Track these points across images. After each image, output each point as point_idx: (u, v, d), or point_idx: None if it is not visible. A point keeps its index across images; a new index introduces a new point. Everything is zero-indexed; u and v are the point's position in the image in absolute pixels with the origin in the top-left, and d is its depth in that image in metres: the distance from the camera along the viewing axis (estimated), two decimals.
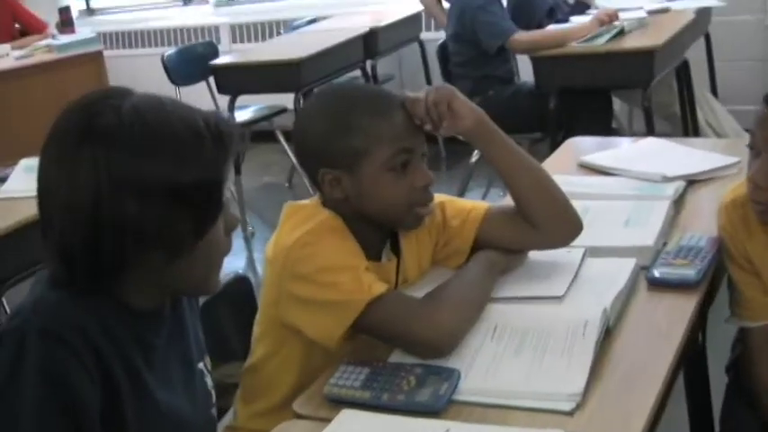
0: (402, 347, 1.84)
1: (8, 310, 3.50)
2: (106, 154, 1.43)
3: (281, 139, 6.55)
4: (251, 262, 5.44)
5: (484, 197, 5.39)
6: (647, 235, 2.24)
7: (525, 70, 5.33)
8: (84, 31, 7.96)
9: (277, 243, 1.93)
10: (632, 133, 5.69)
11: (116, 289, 1.52)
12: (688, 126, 5.64)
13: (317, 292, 1.85)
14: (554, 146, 4.52)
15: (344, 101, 1.99)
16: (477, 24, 5.15)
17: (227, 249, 1.61)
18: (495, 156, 2.06)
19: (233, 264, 5.16)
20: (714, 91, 6.14)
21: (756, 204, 2.02)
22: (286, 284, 1.88)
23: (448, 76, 5.48)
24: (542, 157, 3.02)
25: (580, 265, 2.11)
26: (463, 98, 2.00)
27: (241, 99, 5.86)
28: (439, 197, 2.10)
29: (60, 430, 1.42)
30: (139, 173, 1.43)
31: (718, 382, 2.42)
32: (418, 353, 1.81)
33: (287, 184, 6.80)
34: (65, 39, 7.39)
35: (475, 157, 5.21)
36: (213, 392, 1.79)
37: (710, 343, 2.41)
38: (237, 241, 5.57)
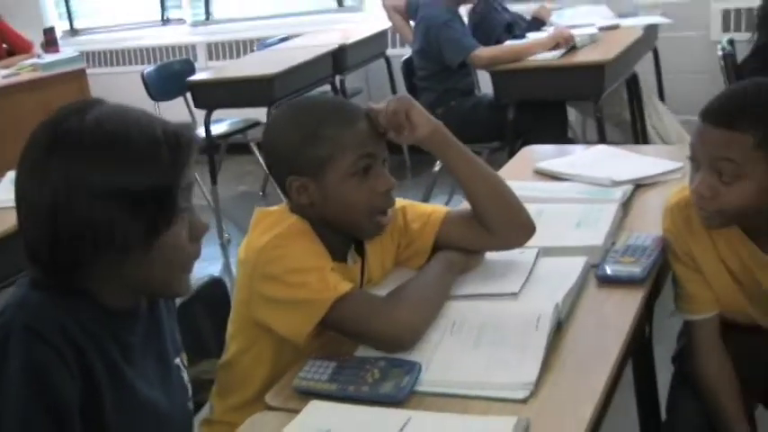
0: (366, 343, 1.86)
1: None
2: (64, 160, 1.44)
3: (255, 150, 6.54)
4: (227, 267, 5.44)
5: (447, 204, 5.40)
6: (596, 235, 2.26)
7: (485, 83, 5.35)
8: (67, 50, 7.94)
9: (248, 246, 1.94)
10: (586, 141, 5.72)
11: (91, 289, 1.52)
12: (638, 134, 5.68)
13: (287, 292, 1.86)
14: (512, 155, 4.54)
15: (311, 112, 2.00)
16: (442, 41, 5.17)
17: (193, 254, 1.60)
18: (452, 163, 2.08)
19: (210, 269, 5.16)
20: (662, 102, 6.18)
21: (702, 211, 2.04)
22: (257, 285, 1.89)
23: (413, 89, 5.50)
24: (500, 166, 3.04)
25: (534, 264, 2.13)
26: (420, 108, 2.02)
27: (217, 113, 5.87)
28: (400, 202, 2.12)
29: (41, 424, 1.42)
30: (92, 177, 1.44)
31: (664, 372, 2.44)
32: (381, 348, 1.83)
33: (261, 193, 6.80)
34: (49, 58, 7.39)
35: (438, 165, 5.23)
36: (189, 387, 1.79)
37: (657, 335, 2.42)
38: (214, 248, 5.62)
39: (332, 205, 1.96)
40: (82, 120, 1.47)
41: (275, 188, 2.10)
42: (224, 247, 5.79)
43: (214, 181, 5.92)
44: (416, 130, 2.00)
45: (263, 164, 6.09)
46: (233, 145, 6.88)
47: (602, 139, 4.75)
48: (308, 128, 1.94)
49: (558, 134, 5.04)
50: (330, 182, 1.94)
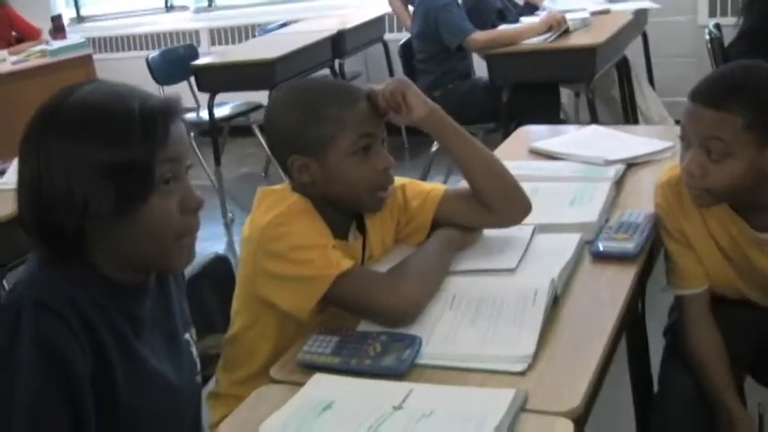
0: (368, 317, 1.84)
1: None
2: (47, 135, 1.46)
3: (257, 132, 6.53)
4: (231, 245, 5.44)
5: (444, 184, 5.38)
6: (590, 212, 2.25)
7: (481, 66, 5.32)
8: (74, 36, 7.90)
9: (252, 224, 1.93)
10: (578, 122, 5.69)
11: (96, 264, 1.51)
12: (629, 116, 5.66)
13: (290, 269, 1.84)
14: (506, 135, 4.52)
15: (313, 93, 1.98)
16: (440, 23, 5.14)
17: (186, 226, 1.55)
18: (449, 144, 2.07)
19: (215, 247, 5.16)
20: (651, 84, 6.15)
21: (692, 189, 2.04)
22: (261, 261, 1.88)
23: (411, 71, 5.46)
24: (495, 146, 3.02)
25: (530, 241, 2.11)
26: (416, 90, 2.01)
27: (220, 96, 5.85)
28: (400, 180, 2.11)
29: (53, 395, 1.41)
30: (66, 151, 1.44)
31: (657, 346, 2.43)
32: (383, 322, 1.81)
33: (263, 174, 6.78)
34: (57, 44, 7.37)
35: (435, 146, 5.22)
36: (198, 361, 1.78)
37: (649, 309, 2.42)
38: (218, 227, 5.61)
39: (333, 183, 1.94)
40: (69, 98, 1.48)
41: (277, 169, 2.09)
42: (227, 226, 5.78)
43: (218, 162, 5.90)
44: (413, 111, 1.99)
45: (265, 145, 6.10)
46: (235, 127, 6.87)
47: (594, 119, 4.73)
48: (309, 108, 1.93)
49: (551, 115, 5.02)
50: (331, 161, 1.92)
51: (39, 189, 1.45)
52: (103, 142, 1.45)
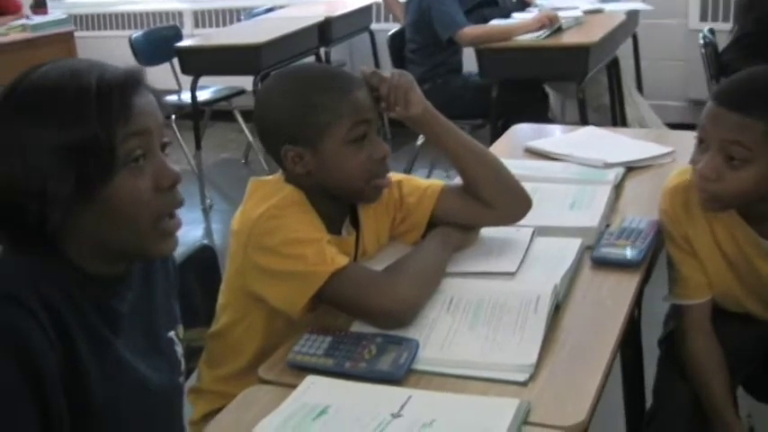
0: (363, 318, 1.77)
1: None
2: (4, 117, 1.37)
3: (239, 118, 6.44)
4: (209, 231, 5.35)
5: (428, 177, 5.33)
6: (591, 217, 2.19)
7: (470, 60, 5.25)
8: (56, 12, 7.81)
9: (243, 216, 1.85)
10: (565, 123, 5.65)
11: (69, 255, 1.41)
12: (617, 118, 5.61)
13: (283, 264, 1.77)
14: (494, 131, 4.48)
15: (305, 80, 1.91)
16: (433, 14, 5.07)
17: (162, 206, 1.44)
18: (442, 140, 2.03)
19: (192, 233, 5.08)
20: (640, 87, 6.12)
21: (703, 193, 1.98)
22: (252, 255, 1.80)
23: (401, 61, 5.38)
24: (484, 142, 2.94)
25: (530, 244, 2.05)
26: (417, 88, 1.97)
27: (203, 80, 5.76)
28: (396, 176, 2.05)
29: (20, 389, 1.31)
30: (20, 135, 1.35)
31: (649, 355, 2.38)
32: (378, 323, 1.74)
33: (243, 161, 6.68)
34: (38, 19, 7.29)
35: (421, 140, 5.16)
36: (183, 361, 1.68)
37: (644, 317, 2.36)
38: (196, 213, 5.52)
39: (329, 173, 1.87)
40: (23, 81, 1.38)
41: (257, 156, 2.01)
42: (206, 212, 5.67)
43: (198, 146, 5.82)
44: (410, 108, 1.95)
45: (248, 133, 6.03)
46: (217, 112, 6.77)
47: (584, 121, 4.68)
48: (303, 96, 1.86)
49: (540, 114, 4.99)
50: (327, 150, 1.85)
51: None
52: (57, 123, 1.35)
